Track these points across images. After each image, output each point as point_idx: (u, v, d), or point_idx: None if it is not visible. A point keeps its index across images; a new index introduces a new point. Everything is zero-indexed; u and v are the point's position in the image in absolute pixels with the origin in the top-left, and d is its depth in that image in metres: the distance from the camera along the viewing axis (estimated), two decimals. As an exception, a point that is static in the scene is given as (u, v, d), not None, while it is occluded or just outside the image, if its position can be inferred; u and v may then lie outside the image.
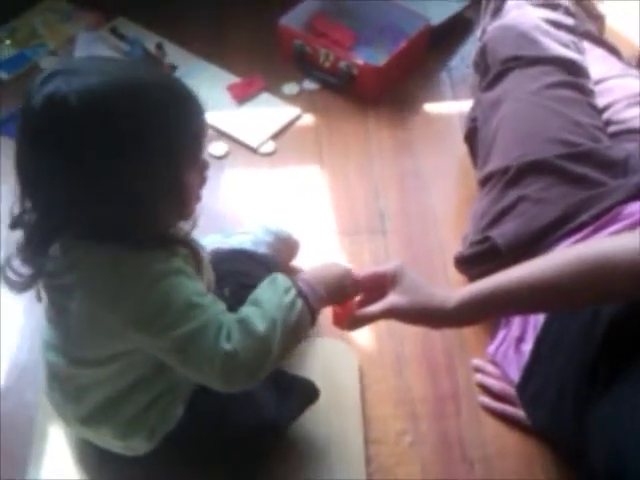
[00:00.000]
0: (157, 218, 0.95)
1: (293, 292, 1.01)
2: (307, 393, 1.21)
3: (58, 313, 1.04)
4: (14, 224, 0.97)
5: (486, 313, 1.11)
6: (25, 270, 0.99)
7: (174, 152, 0.93)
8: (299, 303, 1.00)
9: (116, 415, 1.07)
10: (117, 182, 0.90)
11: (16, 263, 0.99)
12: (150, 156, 0.91)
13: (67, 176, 0.89)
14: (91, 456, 1.19)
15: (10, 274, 0.99)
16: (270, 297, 1.00)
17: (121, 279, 0.94)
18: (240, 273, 1.25)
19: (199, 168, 1.00)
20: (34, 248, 0.97)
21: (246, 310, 1.00)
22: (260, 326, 0.97)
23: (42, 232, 0.96)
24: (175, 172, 0.94)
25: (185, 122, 0.94)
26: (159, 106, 0.91)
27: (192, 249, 1.01)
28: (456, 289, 1.08)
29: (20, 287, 1.00)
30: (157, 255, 0.95)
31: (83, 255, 0.95)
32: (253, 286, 1.12)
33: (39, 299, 1.03)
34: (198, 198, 1.02)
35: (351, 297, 1.10)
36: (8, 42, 1.89)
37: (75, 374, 1.07)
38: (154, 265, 0.94)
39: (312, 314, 1.02)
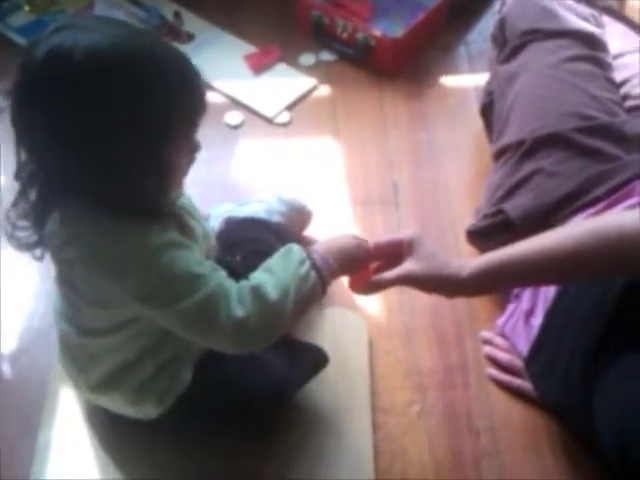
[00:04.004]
0: (139, 189, 0.92)
1: (307, 264, 1.02)
2: (316, 359, 1.22)
3: (64, 285, 1.05)
4: (15, 176, 0.97)
5: (500, 283, 1.11)
6: (27, 232, 1.00)
7: (164, 127, 0.91)
8: (313, 275, 1.01)
9: (126, 382, 1.09)
10: (101, 146, 0.88)
11: (21, 222, 0.99)
12: (139, 127, 0.89)
13: (57, 130, 0.88)
14: (102, 420, 1.21)
15: (15, 232, 1.00)
16: (284, 267, 1.01)
17: (120, 254, 0.94)
18: (253, 240, 1.26)
19: (190, 148, 0.99)
20: (32, 208, 0.98)
21: (259, 277, 1.00)
22: (273, 294, 0.98)
23: (39, 190, 0.97)
24: (162, 147, 0.92)
25: (181, 100, 0.93)
26: (159, 79, 0.90)
27: (178, 220, 1.01)
28: (471, 259, 1.08)
29: (25, 247, 1.01)
30: (152, 228, 0.95)
31: (81, 229, 0.95)
32: (265, 253, 1.13)
33: (41, 259, 1.03)
34: (185, 174, 1.01)
35: (364, 267, 1.10)
36: (27, 8, 1.90)
37: (85, 343, 1.08)
38: (150, 238, 0.94)
39: (324, 286, 1.03)
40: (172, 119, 0.92)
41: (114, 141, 0.88)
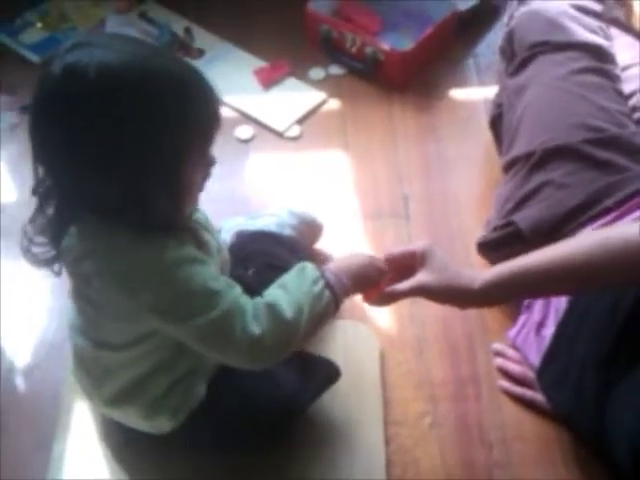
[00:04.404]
0: (154, 205, 0.93)
1: (321, 283, 1.02)
2: (328, 373, 1.22)
3: (80, 298, 1.06)
4: (33, 191, 0.97)
5: (512, 294, 1.11)
6: (44, 248, 1.00)
7: (178, 144, 0.91)
8: (326, 294, 1.02)
9: (140, 396, 1.09)
10: (115, 164, 0.89)
11: (38, 238, 1.00)
12: (153, 144, 0.89)
13: (71, 147, 0.89)
14: (116, 433, 1.21)
15: (31, 248, 1.00)
16: (299, 285, 1.02)
17: (136, 269, 0.94)
18: (264, 254, 1.27)
19: (205, 163, 0.98)
20: (50, 223, 0.98)
21: (274, 294, 1.01)
22: (288, 312, 0.98)
23: (56, 206, 0.97)
24: (177, 163, 0.92)
25: (195, 117, 0.92)
26: (172, 96, 0.89)
27: (194, 235, 1.01)
28: (483, 270, 1.09)
29: (41, 263, 1.02)
30: (169, 243, 0.95)
31: (97, 244, 0.96)
32: (277, 266, 1.14)
33: (59, 273, 1.03)
34: (200, 189, 1.01)
35: (376, 285, 1.11)
36: (39, 25, 1.92)
37: (100, 357, 1.09)
38: (167, 253, 0.94)
39: (337, 304, 1.04)
40: (186, 135, 0.92)
41: (127, 159, 0.89)
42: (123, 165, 0.89)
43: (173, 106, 0.90)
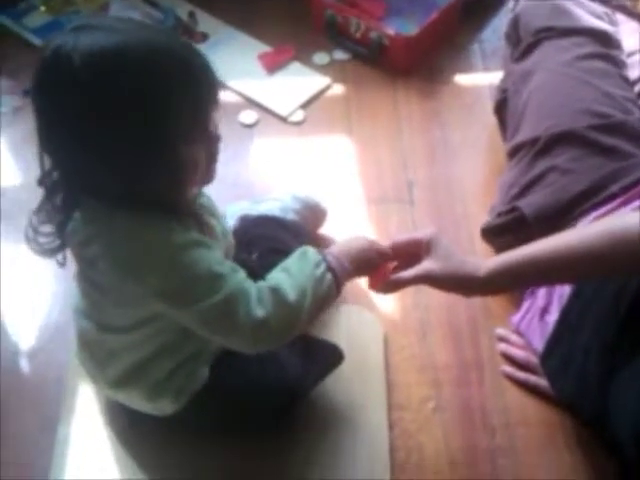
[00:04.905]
0: (155, 185, 0.92)
1: (323, 266, 1.03)
2: (332, 357, 1.22)
3: (85, 281, 1.06)
4: (39, 182, 0.98)
5: (516, 282, 1.11)
6: (49, 238, 1.00)
7: (170, 124, 0.90)
8: (328, 276, 1.02)
9: (143, 379, 1.10)
10: (106, 146, 0.88)
11: (43, 228, 1.00)
12: (152, 122, 0.88)
13: (64, 129, 0.89)
14: (120, 415, 1.22)
15: (37, 238, 1.00)
16: (301, 268, 1.02)
17: (140, 253, 0.94)
18: (268, 238, 1.27)
19: (205, 143, 0.96)
20: (55, 210, 0.98)
21: (277, 277, 1.01)
22: (291, 295, 0.99)
23: (62, 194, 0.97)
24: (169, 144, 0.90)
25: (195, 94, 0.91)
26: (164, 75, 0.88)
27: (198, 219, 1.01)
28: (488, 259, 1.09)
29: (47, 253, 1.02)
30: (174, 228, 0.95)
31: (101, 228, 0.96)
32: (280, 250, 1.14)
33: (64, 264, 1.03)
34: (205, 172, 0.99)
35: (377, 268, 1.11)
36: (43, 9, 1.91)
37: (104, 339, 1.09)
38: (172, 237, 0.94)
39: (338, 287, 1.04)
40: (186, 114, 0.91)
41: (128, 138, 0.88)
42: (123, 144, 0.88)
43: (175, 85, 0.89)
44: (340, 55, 1.85)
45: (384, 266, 1.12)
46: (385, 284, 1.11)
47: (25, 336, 1.37)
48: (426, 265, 1.09)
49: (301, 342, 1.17)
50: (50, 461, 1.20)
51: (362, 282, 1.14)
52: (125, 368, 1.09)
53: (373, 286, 1.13)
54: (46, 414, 1.25)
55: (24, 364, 1.33)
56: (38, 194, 0.99)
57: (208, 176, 1.01)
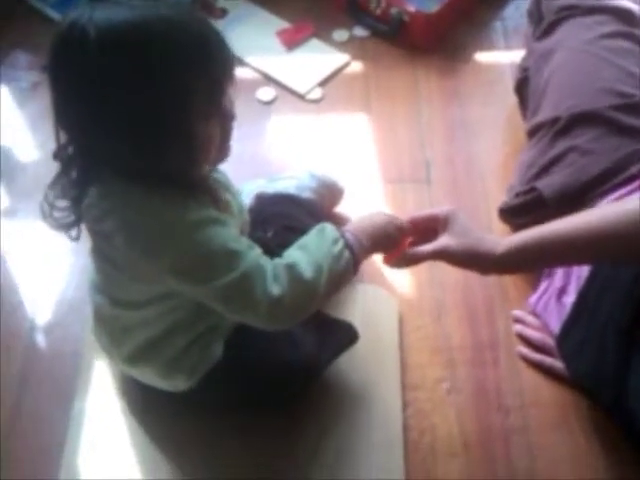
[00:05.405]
0: (166, 162, 0.92)
1: (341, 243, 1.02)
2: (347, 335, 1.22)
3: (100, 257, 1.06)
4: (54, 155, 0.98)
5: (534, 261, 1.10)
6: (64, 212, 1.01)
7: (184, 98, 0.89)
8: (346, 254, 1.02)
9: (158, 355, 1.10)
10: (121, 121, 0.88)
11: (59, 203, 1.00)
12: (157, 99, 0.88)
13: (76, 103, 0.89)
14: (134, 391, 1.23)
15: (53, 212, 1.00)
16: (318, 245, 1.01)
17: (156, 230, 0.94)
18: (283, 216, 1.27)
19: (220, 119, 0.96)
20: (71, 184, 0.98)
21: (294, 255, 1.01)
22: (308, 272, 0.98)
23: (78, 169, 0.97)
24: (184, 120, 0.90)
25: (206, 72, 0.91)
26: (179, 51, 0.88)
27: (213, 195, 1.01)
28: (505, 236, 1.08)
29: (62, 227, 1.02)
30: (189, 204, 0.95)
31: (116, 203, 0.96)
32: (296, 228, 1.13)
33: (77, 238, 1.04)
34: (221, 149, 0.99)
35: (396, 246, 1.11)
36: (62, -17, 1.90)
37: (118, 315, 1.09)
38: (188, 214, 0.94)
39: (356, 265, 1.04)
40: (193, 89, 0.90)
41: (143, 112, 0.88)
42: (137, 120, 0.88)
43: (191, 60, 0.89)
44: (360, 32, 1.83)
45: (401, 241, 1.11)
46: (400, 258, 1.11)
47: (42, 311, 1.37)
48: (443, 241, 1.08)
49: (316, 320, 1.16)
50: (65, 434, 1.21)
51: (378, 260, 1.13)
52: (139, 344, 1.10)
53: (388, 260, 1.12)
54: (62, 389, 1.26)
55: (40, 339, 1.34)
56: (56, 169, 0.99)
57: (222, 153, 1.00)
